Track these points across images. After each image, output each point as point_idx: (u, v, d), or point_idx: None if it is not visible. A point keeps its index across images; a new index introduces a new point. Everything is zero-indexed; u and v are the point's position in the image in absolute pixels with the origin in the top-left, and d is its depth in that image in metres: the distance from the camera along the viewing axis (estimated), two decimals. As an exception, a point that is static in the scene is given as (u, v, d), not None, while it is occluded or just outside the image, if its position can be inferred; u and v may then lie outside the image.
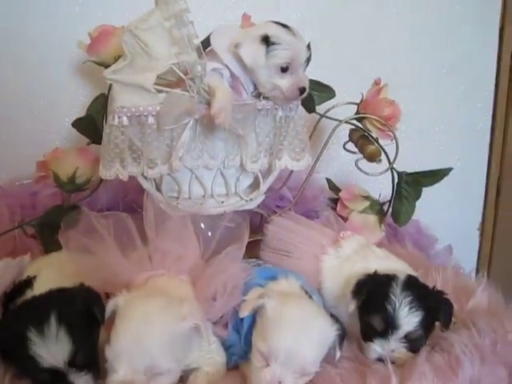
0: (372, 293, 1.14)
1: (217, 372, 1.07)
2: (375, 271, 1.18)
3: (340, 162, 1.94)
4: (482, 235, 2.21)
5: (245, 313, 1.06)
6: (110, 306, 1.03)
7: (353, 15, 1.88)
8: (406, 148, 1.92)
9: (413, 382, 0.98)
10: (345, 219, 1.59)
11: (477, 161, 2.13)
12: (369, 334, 1.13)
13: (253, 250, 1.41)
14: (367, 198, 1.62)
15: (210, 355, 1.08)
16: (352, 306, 1.15)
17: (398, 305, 1.09)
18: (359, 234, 1.52)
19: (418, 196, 1.57)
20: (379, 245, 1.57)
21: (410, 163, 1.57)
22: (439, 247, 1.83)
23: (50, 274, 1.16)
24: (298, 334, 1.01)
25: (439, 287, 1.25)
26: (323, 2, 1.86)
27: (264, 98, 1.30)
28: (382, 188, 1.64)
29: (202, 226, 1.40)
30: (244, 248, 1.23)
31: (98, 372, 1.01)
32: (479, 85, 2.04)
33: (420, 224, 1.79)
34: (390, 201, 1.59)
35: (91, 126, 1.48)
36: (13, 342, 0.97)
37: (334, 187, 1.73)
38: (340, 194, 1.64)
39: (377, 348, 1.11)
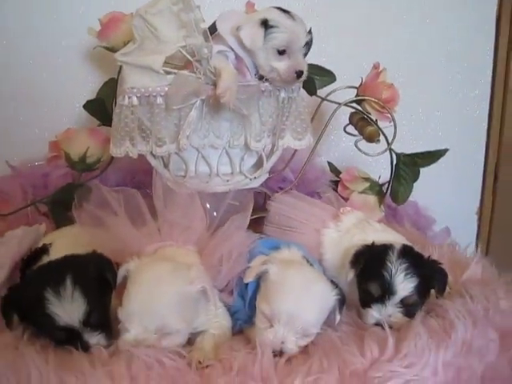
0: (369, 261, 1.20)
1: (223, 334, 1.13)
2: (373, 242, 1.24)
3: (341, 147, 2.00)
4: (480, 220, 2.26)
5: (249, 278, 1.12)
6: (121, 271, 1.09)
7: (355, 3, 1.92)
8: (404, 133, 2.00)
9: (408, 341, 1.04)
10: (345, 199, 1.64)
11: (474, 147, 2.17)
12: (367, 300, 1.19)
13: (257, 227, 1.47)
14: (367, 179, 1.68)
15: (216, 319, 1.14)
16: (350, 275, 1.21)
17: (393, 271, 1.15)
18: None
19: (416, 177, 1.62)
20: (379, 224, 1.64)
21: (408, 149, 1.62)
22: (437, 229, 1.89)
23: (65, 242, 1.23)
24: (300, 296, 1.07)
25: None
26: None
27: (266, 79, 1.36)
28: (381, 171, 1.70)
29: (208, 205, 1.46)
30: (248, 217, 1.30)
31: (111, 333, 1.07)
32: (476, 72, 2.09)
33: (418, 205, 1.86)
34: (389, 182, 1.65)
35: (101, 108, 1.53)
36: (31, 303, 1.02)
37: (335, 170, 1.79)
38: (341, 175, 1.70)
39: (374, 313, 1.16)
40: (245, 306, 1.15)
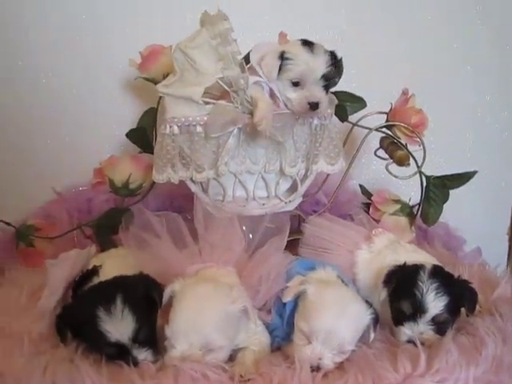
0: (401, 281, 1.25)
1: (262, 350, 1.19)
2: (404, 262, 1.29)
3: (372, 170, 2.04)
4: (511, 240, 2.27)
5: (288, 298, 1.18)
6: (167, 291, 1.16)
7: (384, 30, 1.99)
8: (433, 156, 2.04)
9: (440, 358, 1.08)
10: (377, 221, 1.70)
11: (504, 168, 2.19)
12: (399, 318, 1.23)
13: (292, 249, 1.52)
14: (398, 201, 1.73)
15: (256, 336, 1.20)
16: (383, 294, 1.26)
17: (425, 290, 1.20)
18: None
19: (446, 198, 1.66)
20: (409, 245, 1.69)
21: (439, 171, 1.68)
22: (468, 249, 1.92)
23: (113, 264, 1.31)
24: (337, 315, 1.12)
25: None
26: (359, 17, 1.98)
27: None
28: (411, 193, 1.74)
29: (244, 228, 1.52)
30: (285, 239, 1.36)
31: (158, 349, 1.14)
32: (505, 94, 2.12)
33: (449, 226, 1.89)
34: (419, 203, 1.70)
35: (143, 136, 1.62)
36: (84, 321, 1.10)
37: (366, 192, 1.84)
38: (372, 198, 1.75)
39: (407, 331, 1.21)
40: (283, 324, 1.21)
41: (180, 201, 1.73)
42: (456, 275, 1.30)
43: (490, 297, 1.38)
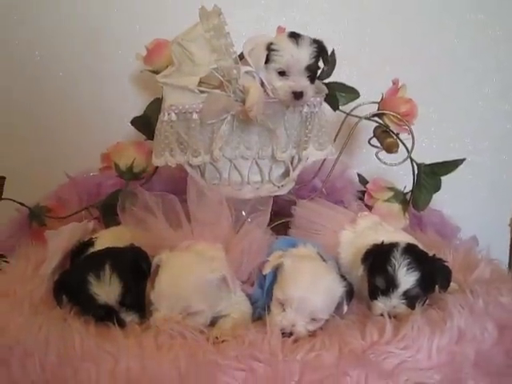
0: (376, 258, 1.32)
1: (242, 319, 1.28)
2: (382, 241, 1.36)
3: (372, 160, 2.07)
4: (512, 231, 2.30)
5: (267, 270, 1.27)
6: (155, 260, 1.26)
7: (384, 25, 2.06)
8: (436, 146, 2.11)
9: (406, 327, 1.16)
10: (370, 208, 1.77)
11: (506, 160, 2.23)
12: (374, 292, 1.31)
13: (285, 231, 1.61)
14: (392, 188, 1.79)
15: (237, 305, 1.29)
16: (361, 271, 1.34)
17: (397, 266, 1.27)
18: (384, 222, 1.71)
19: (438, 186, 1.72)
20: (402, 231, 1.75)
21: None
22: (464, 238, 1.96)
23: (108, 237, 1.42)
24: (310, 284, 1.21)
25: (450, 262, 1.43)
26: (354, 10, 2.06)
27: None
28: (409, 182, 1.80)
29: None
30: (267, 216, 1.47)
31: (144, 313, 1.24)
32: (508, 87, 2.17)
33: (443, 214, 1.93)
34: (411, 191, 1.76)
35: (147, 124, 1.71)
36: (77, 285, 1.22)
37: (363, 181, 1.90)
38: (367, 185, 1.82)
39: (381, 305, 1.28)
40: (263, 296, 1.30)
41: (183, 184, 1.79)
42: (431, 254, 1.36)
43: (470, 277, 1.44)
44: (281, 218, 1.66)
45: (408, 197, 1.78)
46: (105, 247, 1.32)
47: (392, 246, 1.32)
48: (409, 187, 1.78)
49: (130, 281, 1.23)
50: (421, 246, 1.39)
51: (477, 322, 1.19)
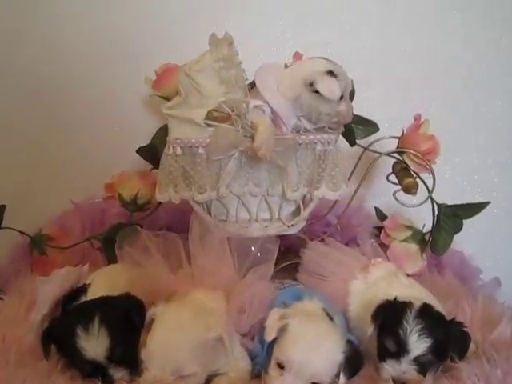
0: (388, 318, 1.22)
1: (240, 377, 1.19)
2: (395, 297, 1.26)
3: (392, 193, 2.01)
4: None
5: (270, 337, 1.16)
6: (149, 314, 1.18)
7: (401, 51, 1.96)
8: (459, 177, 2.00)
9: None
10: (387, 247, 1.67)
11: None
12: (383, 354, 1.21)
13: (293, 272, 1.53)
14: (410, 227, 1.70)
15: (235, 362, 1.20)
16: (370, 329, 1.24)
17: (408, 330, 1.17)
18: (400, 262, 1.62)
19: (459, 228, 1.62)
20: (420, 274, 1.65)
21: (460, 198, 1.65)
22: (486, 279, 1.86)
23: (102, 283, 1.34)
24: (311, 347, 1.11)
25: (468, 317, 1.33)
26: (372, 40, 1.96)
27: (307, 131, 1.42)
28: (428, 220, 1.70)
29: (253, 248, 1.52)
30: (272, 267, 1.37)
31: (136, 370, 1.16)
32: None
33: (464, 255, 1.83)
34: (430, 231, 1.66)
35: (154, 153, 1.64)
36: (65, 337, 1.14)
37: (381, 215, 1.81)
38: (384, 222, 1.73)
39: (389, 368, 1.19)
40: (263, 351, 1.21)
41: (189, 216, 1.73)
42: (459, 314, 1.28)
43: (489, 337, 1.33)
44: (290, 257, 1.58)
45: (427, 237, 1.68)
46: (98, 296, 1.24)
47: (405, 306, 1.22)
48: (428, 224, 1.68)
49: (120, 335, 1.15)
50: (438, 306, 1.29)
51: (494, 396, 1.09)
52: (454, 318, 1.25)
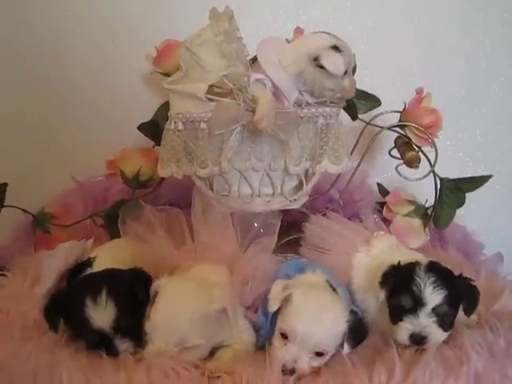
0: (398, 279, 1.23)
1: (244, 349, 1.20)
2: (399, 261, 1.26)
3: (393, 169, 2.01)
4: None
5: (274, 307, 1.17)
6: (152, 287, 1.19)
7: (402, 28, 1.94)
8: (462, 154, 1.99)
9: (417, 369, 1.06)
10: (390, 222, 1.67)
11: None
12: (398, 313, 1.21)
13: (296, 247, 1.53)
14: (412, 202, 1.69)
15: (239, 334, 1.21)
16: (382, 296, 1.24)
17: (422, 284, 1.18)
18: (403, 237, 1.61)
19: (461, 202, 1.62)
20: (423, 249, 1.65)
21: (462, 174, 1.64)
22: (488, 254, 1.86)
23: (106, 257, 1.35)
24: (314, 318, 1.12)
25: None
26: (376, 16, 1.94)
27: (308, 105, 1.41)
28: (431, 195, 1.69)
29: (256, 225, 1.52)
30: (274, 240, 1.38)
31: (141, 342, 1.16)
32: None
33: (467, 230, 1.83)
34: (433, 206, 1.65)
35: (155, 129, 1.63)
36: (72, 307, 1.15)
37: (383, 191, 1.80)
38: (387, 197, 1.72)
39: (408, 325, 1.18)
40: (267, 323, 1.22)
41: (192, 192, 1.73)
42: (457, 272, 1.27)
43: (492, 308, 1.33)
44: (292, 232, 1.58)
45: (429, 211, 1.68)
46: (104, 268, 1.25)
47: (413, 265, 1.23)
48: (431, 199, 1.68)
49: (126, 306, 1.16)
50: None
51: (497, 365, 1.09)
52: (461, 273, 1.26)
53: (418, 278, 1.19)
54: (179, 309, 1.12)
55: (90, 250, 1.42)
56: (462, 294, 1.21)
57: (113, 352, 1.14)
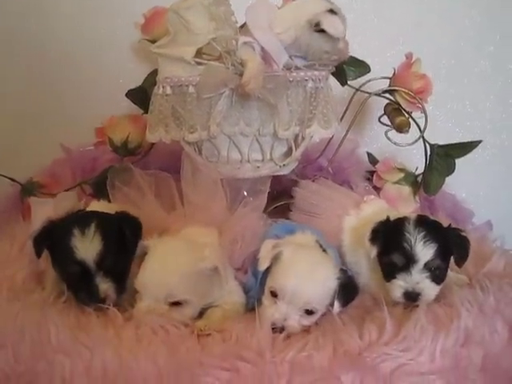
0: (388, 235, 1.23)
1: (234, 309, 1.20)
2: (387, 217, 1.27)
3: (384, 138, 1.99)
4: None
5: (264, 266, 1.17)
6: (140, 246, 1.18)
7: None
8: (451, 124, 1.99)
9: (407, 326, 1.07)
10: (380, 189, 1.67)
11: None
12: (391, 271, 1.22)
13: (287, 213, 1.53)
14: (402, 170, 1.70)
15: (229, 294, 1.21)
16: (374, 252, 1.24)
17: (413, 240, 1.19)
18: (393, 204, 1.62)
19: (451, 168, 1.62)
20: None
21: (461, 139, 1.64)
22: (479, 222, 1.86)
23: (98, 208, 1.32)
24: (304, 276, 1.12)
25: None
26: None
27: (298, 69, 1.40)
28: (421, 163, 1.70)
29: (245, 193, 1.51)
30: (263, 202, 1.39)
31: (122, 290, 1.18)
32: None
33: (456, 198, 1.84)
34: (423, 173, 1.65)
35: (143, 96, 1.62)
36: (59, 235, 1.17)
37: (373, 160, 1.81)
38: (377, 166, 1.72)
39: (401, 283, 1.20)
40: (257, 284, 1.21)
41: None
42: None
43: (482, 270, 1.34)
44: (283, 198, 1.57)
45: (419, 179, 1.68)
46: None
47: (402, 220, 1.24)
48: (420, 168, 1.68)
49: (113, 244, 1.17)
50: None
51: (486, 321, 1.10)
52: (450, 224, 1.27)
53: (407, 234, 1.20)
54: (168, 264, 1.12)
55: (80, 204, 1.41)
56: (452, 245, 1.23)
57: (93, 293, 1.14)
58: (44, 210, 1.32)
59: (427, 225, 1.22)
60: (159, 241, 1.19)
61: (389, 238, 1.23)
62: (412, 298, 1.18)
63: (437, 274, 1.19)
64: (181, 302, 1.11)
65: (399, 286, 1.20)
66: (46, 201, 1.34)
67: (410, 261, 1.19)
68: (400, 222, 1.23)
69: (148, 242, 1.18)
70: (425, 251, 1.18)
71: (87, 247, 1.14)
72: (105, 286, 1.15)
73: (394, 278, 1.20)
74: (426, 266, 1.18)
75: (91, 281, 1.14)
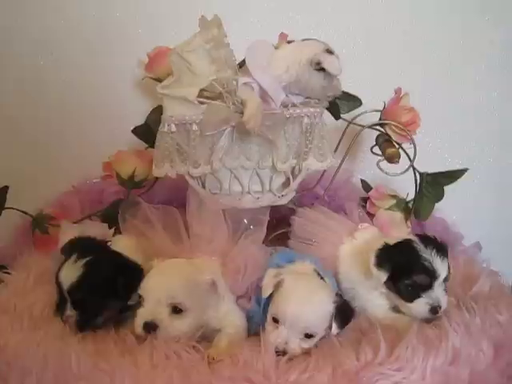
0: (398, 258, 1.32)
1: (238, 333, 1.30)
2: (385, 242, 1.35)
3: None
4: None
5: (267, 294, 1.27)
6: (147, 267, 1.32)
7: (387, 30, 2.05)
8: (440, 150, 2.09)
9: (400, 346, 1.16)
10: (373, 216, 1.76)
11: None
12: (415, 293, 1.31)
13: (285, 240, 1.62)
14: (394, 196, 1.78)
15: (230, 318, 1.32)
16: (383, 277, 1.32)
17: (430, 258, 1.29)
18: (386, 230, 1.70)
19: (440, 195, 1.71)
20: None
21: (450, 165, 1.74)
22: (467, 244, 1.95)
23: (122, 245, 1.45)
24: (303, 301, 1.22)
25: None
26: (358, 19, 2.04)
27: (294, 105, 1.50)
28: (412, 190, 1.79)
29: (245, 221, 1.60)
30: (263, 231, 1.46)
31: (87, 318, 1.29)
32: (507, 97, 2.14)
33: (446, 222, 1.92)
34: (414, 199, 1.75)
35: (148, 132, 1.71)
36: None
37: (367, 187, 1.89)
38: (369, 193, 1.82)
39: (428, 300, 1.30)
40: (260, 311, 1.30)
41: (185, 192, 1.80)
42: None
43: (469, 292, 1.43)
44: (282, 226, 1.66)
45: (410, 205, 1.77)
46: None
47: (409, 242, 1.33)
48: (411, 194, 1.77)
49: (93, 281, 1.28)
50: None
51: (472, 341, 1.19)
52: (435, 236, 1.39)
53: (424, 254, 1.29)
54: (171, 273, 1.26)
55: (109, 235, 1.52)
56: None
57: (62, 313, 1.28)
58: (72, 233, 1.41)
59: (432, 241, 1.33)
60: (163, 260, 1.32)
61: (401, 261, 1.31)
62: (436, 311, 1.29)
63: (447, 284, 1.30)
64: (181, 309, 1.22)
65: (425, 303, 1.30)
66: (75, 226, 1.43)
67: (432, 278, 1.28)
68: (407, 244, 1.32)
69: (152, 262, 1.31)
70: (443, 266, 1.29)
71: (67, 274, 1.27)
72: (70, 313, 1.27)
73: (419, 297, 1.30)
74: (444, 280, 1.29)
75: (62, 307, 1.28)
